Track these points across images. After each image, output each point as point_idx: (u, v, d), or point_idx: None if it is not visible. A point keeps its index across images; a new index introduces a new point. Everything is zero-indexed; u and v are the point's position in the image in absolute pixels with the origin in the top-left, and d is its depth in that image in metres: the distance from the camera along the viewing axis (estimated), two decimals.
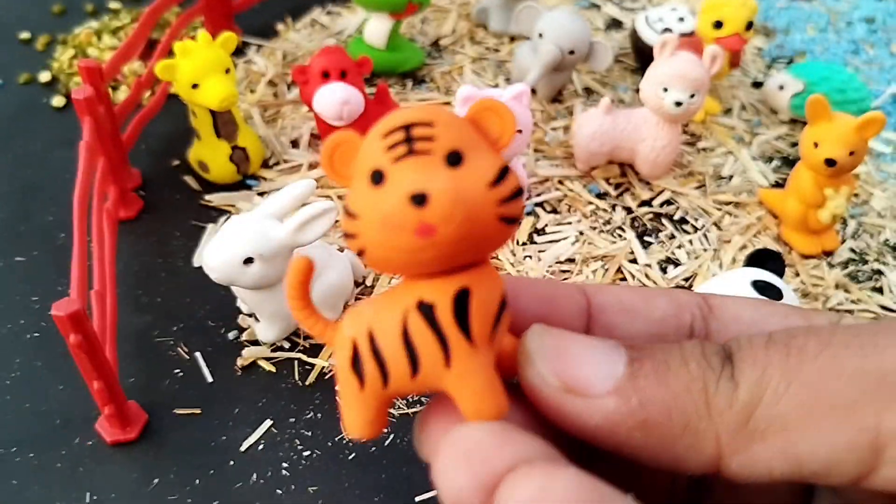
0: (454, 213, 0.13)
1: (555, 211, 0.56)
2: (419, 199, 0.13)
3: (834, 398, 0.13)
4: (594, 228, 0.55)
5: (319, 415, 0.43)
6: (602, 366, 0.15)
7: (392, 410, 0.43)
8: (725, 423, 0.14)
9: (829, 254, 0.55)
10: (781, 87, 0.64)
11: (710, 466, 0.14)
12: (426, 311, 0.14)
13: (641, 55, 0.66)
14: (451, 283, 0.14)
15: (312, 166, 0.58)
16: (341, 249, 0.50)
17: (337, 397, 0.16)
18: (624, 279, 0.52)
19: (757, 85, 0.69)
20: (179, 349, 0.47)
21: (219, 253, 0.41)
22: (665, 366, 0.14)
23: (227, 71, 0.52)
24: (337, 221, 0.44)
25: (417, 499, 0.40)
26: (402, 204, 0.13)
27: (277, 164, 0.58)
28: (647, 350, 0.15)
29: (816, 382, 0.13)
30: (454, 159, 0.13)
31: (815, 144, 0.50)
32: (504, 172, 0.14)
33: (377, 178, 0.13)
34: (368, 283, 0.50)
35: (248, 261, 0.41)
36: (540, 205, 0.57)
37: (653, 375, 0.14)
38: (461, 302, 0.14)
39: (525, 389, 0.15)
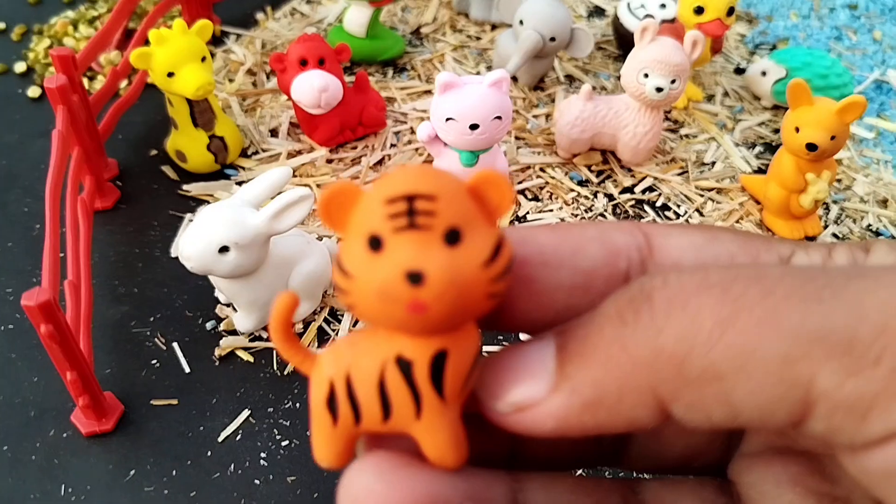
0: (448, 294, 0.13)
1: (536, 199, 0.56)
2: (415, 278, 0.13)
3: (768, 351, 0.13)
4: (576, 216, 0.55)
5: (298, 404, 0.43)
6: (536, 369, 0.15)
7: None
8: (656, 375, 0.13)
9: (811, 239, 0.55)
10: (764, 74, 0.64)
11: (661, 418, 0.14)
12: (404, 367, 0.14)
13: (623, 42, 0.66)
14: (430, 344, 0.14)
15: (291, 155, 0.57)
16: (320, 238, 0.49)
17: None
18: None
19: (739, 71, 0.69)
20: (156, 339, 0.46)
21: (194, 241, 0.40)
22: (584, 340, 0.14)
23: (203, 59, 0.51)
24: (314, 210, 0.44)
25: None
26: (398, 279, 0.13)
27: (256, 153, 0.58)
28: (571, 329, 0.15)
29: (752, 333, 0.13)
30: (453, 237, 0.14)
31: (797, 129, 0.50)
32: (499, 248, 0.14)
33: (375, 244, 0.14)
34: None
35: (224, 249, 0.40)
36: (521, 192, 0.56)
37: (577, 356, 0.14)
38: (438, 363, 0.14)
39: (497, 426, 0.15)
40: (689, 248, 0.16)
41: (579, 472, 0.31)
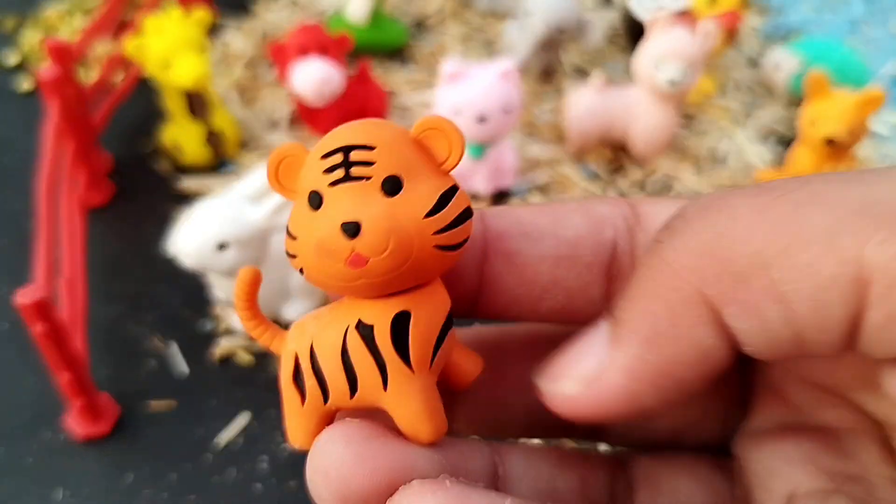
0: (385, 244, 0.13)
1: (545, 194, 0.55)
2: (351, 229, 0.13)
3: (812, 229, 0.11)
4: None
5: None
6: (593, 342, 0.14)
7: None
8: (700, 277, 0.12)
9: None
10: (777, 66, 0.63)
11: (725, 336, 0.13)
12: (365, 332, 0.14)
13: (633, 33, 0.64)
14: (391, 306, 0.14)
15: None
16: None
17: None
18: None
19: (753, 64, 0.68)
20: (153, 340, 0.45)
21: (192, 238, 0.39)
22: (627, 289, 0.14)
23: (200, 49, 0.50)
24: None
25: None
26: (334, 232, 0.13)
27: (256, 147, 0.56)
28: (617, 298, 0.14)
29: (792, 213, 0.12)
30: (391, 187, 0.13)
31: (813, 122, 0.49)
32: (444, 199, 0.13)
33: (315, 201, 0.13)
34: None
35: (223, 246, 0.39)
36: (529, 188, 0.55)
37: (624, 301, 0.14)
38: (400, 325, 0.14)
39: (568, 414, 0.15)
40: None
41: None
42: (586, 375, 0.14)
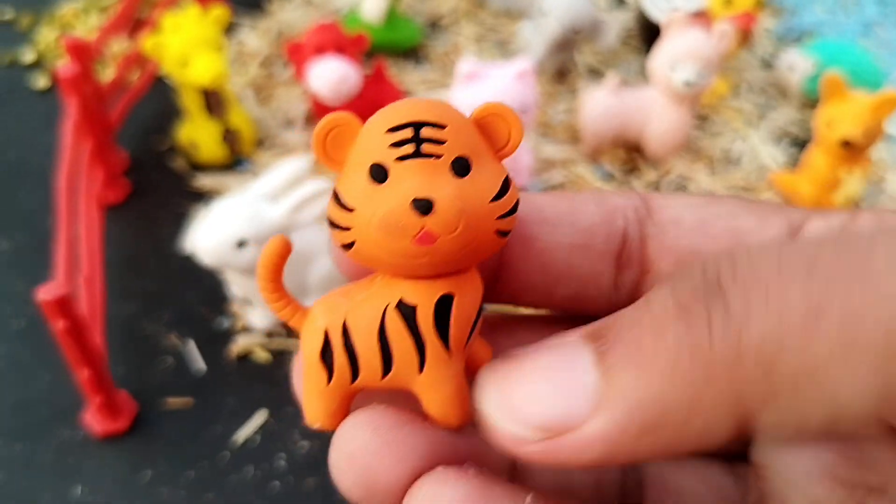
0: (458, 224, 0.13)
1: None
2: (423, 206, 0.12)
3: (875, 330, 0.10)
4: None
5: None
6: (569, 381, 0.12)
7: None
8: (740, 381, 0.11)
9: None
10: (791, 68, 0.63)
11: (739, 432, 0.12)
12: (407, 312, 0.13)
13: (647, 34, 0.64)
14: (435, 287, 0.13)
15: (309, 147, 0.56)
16: None
17: (295, 382, 0.14)
18: None
19: (767, 65, 0.67)
20: (170, 337, 0.45)
21: (211, 235, 0.39)
22: (636, 345, 0.12)
23: (217, 48, 0.50)
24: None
25: None
26: (405, 208, 0.12)
27: (272, 145, 0.56)
28: (611, 330, 0.12)
29: (853, 315, 0.10)
30: (461, 168, 0.13)
31: (829, 124, 0.49)
32: (506, 185, 0.13)
33: (379, 174, 0.13)
34: None
35: (242, 244, 0.39)
36: (544, 188, 0.55)
37: (629, 364, 0.12)
38: (443, 308, 0.13)
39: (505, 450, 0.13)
40: (689, 207, 0.15)
41: None
42: (551, 427, 0.12)
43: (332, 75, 0.50)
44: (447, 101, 0.14)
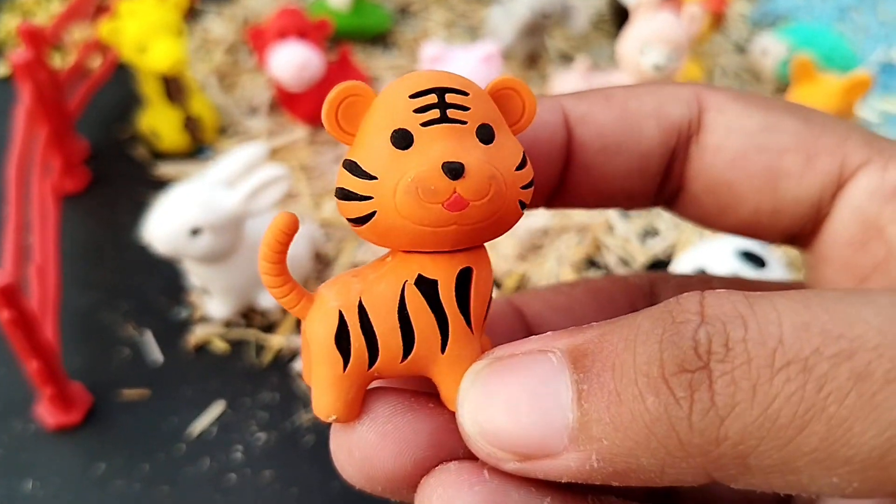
0: (488, 189, 0.12)
1: None
2: (456, 169, 0.12)
3: (860, 448, 0.10)
4: None
5: (277, 395, 0.41)
6: (548, 416, 0.12)
7: None
8: (712, 462, 0.11)
9: None
10: (765, 52, 0.62)
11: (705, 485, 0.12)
12: (427, 287, 0.13)
13: (619, 18, 0.64)
14: (455, 261, 0.13)
15: (272, 134, 0.55)
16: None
17: (301, 375, 0.13)
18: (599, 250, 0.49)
19: (740, 50, 0.67)
20: (127, 328, 0.44)
21: (164, 223, 0.38)
22: (617, 399, 0.11)
23: (176, 33, 0.49)
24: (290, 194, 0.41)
25: None
26: (436, 171, 0.12)
27: (235, 133, 0.55)
28: (595, 360, 0.12)
29: (840, 427, 0.10)
30: (485, 135, 0.13)
31: None
32: (524, 157, 0.13)
33: (403, 140, 0.12)
34: (330, 257, 0.48)
35: (196, 232, 0.38)
36: None
37: (606, 417, 0.11)
38: (463, 282, 0.13)
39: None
40: (740, 133, 0.15)
41: None
42: (525, 453, 0.12)
43: (293, 60, 0.49)
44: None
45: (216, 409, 0.40)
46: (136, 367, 0.42)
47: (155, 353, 0.43)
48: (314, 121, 0.54)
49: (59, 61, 0.60)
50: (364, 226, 0.13)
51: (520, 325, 0.16)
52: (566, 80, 0.54)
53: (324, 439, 0.39)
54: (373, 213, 0.12)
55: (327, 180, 0.51)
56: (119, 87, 0.57)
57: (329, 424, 0.14)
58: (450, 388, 0.13)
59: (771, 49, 0.62)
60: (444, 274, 0.13)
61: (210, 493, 0.37)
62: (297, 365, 0.42)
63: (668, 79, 0.52)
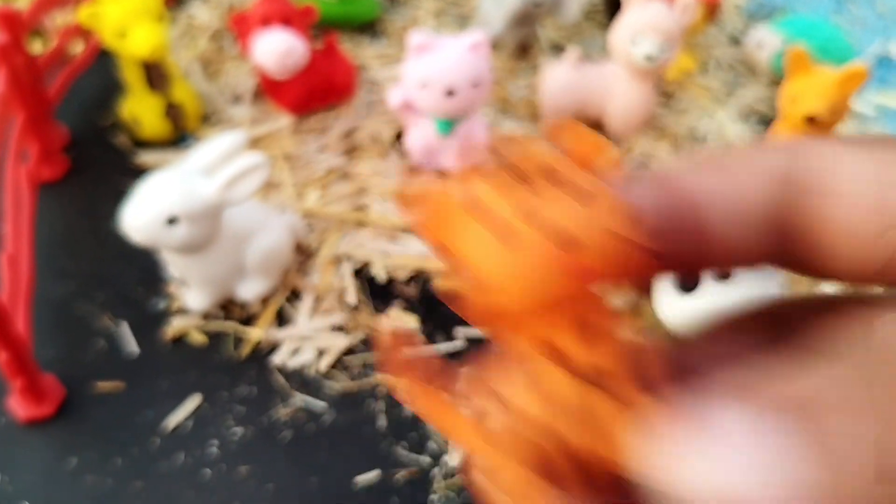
0: None
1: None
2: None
3: None
4: None
5: (255, 389, 0.40)
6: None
7: (334, 384, 0.40)
8: None
9: None
10: (760, 45, 0.61)
11: None
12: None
13: (612, 8, 0.62)
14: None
15: (256, 122, 0.54)
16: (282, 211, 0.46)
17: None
18: None
19: (735, 42, 0.66)
20: (103, 319, 0.43)
21: (140, 212, 0.37)
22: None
23: (157, 18, 0.48)
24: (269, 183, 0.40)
25: (356, 479, 0.37)
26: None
27: (218, 121, 0.54)
28: (816, 420, 0.09)
29: None
30: None
31: (794, 99, 0.47)
32: None
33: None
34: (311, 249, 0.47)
35: (173, 220, 0.37)
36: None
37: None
38: None
39: None
40: (860, 177, 0.12)
41: None
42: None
43: (277, 48, 0.48)
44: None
45: (192, 402, 0.39)
46: (111, 358, 0.41)
47: (131, 345, 0.42)
48: (298, 109, 0.53)
49: (41, 47, 0.59)
50: None
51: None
52: (556, 72, 0.53)
53: (301, 435, 0.38)
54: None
55: (311, 170, 0.50)
56: (101, 73, 0.56)
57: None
58: None
59: (766, 41, 0.60)
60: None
61: (184, 488, 0.36)
62: (276, 358, 0.41)
63: (661, 70, 0.51)
